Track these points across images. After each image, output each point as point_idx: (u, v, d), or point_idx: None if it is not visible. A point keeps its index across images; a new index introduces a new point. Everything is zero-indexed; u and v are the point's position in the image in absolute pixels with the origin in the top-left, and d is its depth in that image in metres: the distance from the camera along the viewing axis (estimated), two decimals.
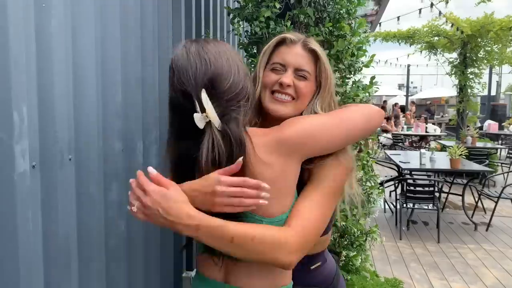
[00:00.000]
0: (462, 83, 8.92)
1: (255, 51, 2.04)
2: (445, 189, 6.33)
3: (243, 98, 1.00)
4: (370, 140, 2.35)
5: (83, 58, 1.23)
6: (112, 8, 1.40)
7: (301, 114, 1.17)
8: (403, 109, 16.97)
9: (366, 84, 2.10)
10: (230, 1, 3.03)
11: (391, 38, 9.52)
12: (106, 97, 1.38)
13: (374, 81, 2.15)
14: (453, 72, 9.11)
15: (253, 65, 1.94)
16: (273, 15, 1.87)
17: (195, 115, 0.93)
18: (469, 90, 8.93)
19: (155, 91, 1.75)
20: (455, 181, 6.36)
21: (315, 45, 1.19)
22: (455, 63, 9.10)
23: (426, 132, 11.17)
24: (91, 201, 1.30)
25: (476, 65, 8.89)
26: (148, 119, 1.68)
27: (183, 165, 1.02)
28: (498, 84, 20.58)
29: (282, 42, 1.20)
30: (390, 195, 6.55)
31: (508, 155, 8.98)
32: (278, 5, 1.86)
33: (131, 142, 1.55)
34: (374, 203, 2.33)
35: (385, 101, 18.46)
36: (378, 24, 9.42)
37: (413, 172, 5.64)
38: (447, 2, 7.72)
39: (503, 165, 8.41)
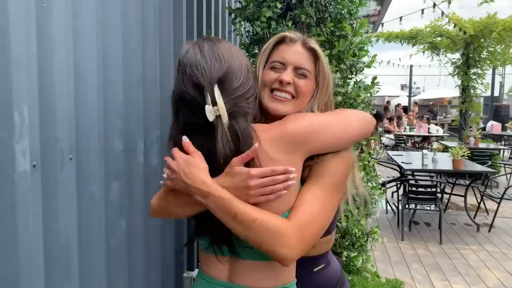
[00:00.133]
0: (465, 84, 8.89)
1: (256, 51, 2.04)
2: (447, 190, 6.30)
3: (251, 96, 1.03)
4: (372, 140, 2.34)
5: (84, 58, 1.23)
6: (114, 8, 1.40)
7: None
8: (405, 109, 16.92)
9: (367, 84, 2.09)
10: (232, 1, 3.04)
11: (394, 38, 9.50)
12: (107, 97, 1.38)
13: (376, 81, 2.15)
14: (455, 73, 9.08)
15: (254, 65, 1.93)
16: (274, 15, 1.87)
17: (206, 107, 0.94)
18: (471, 91, 8.89)
19: (157, 91, 1.75)
20: (457, 182, 6.34)
21: (314, 44, 1.19)
22: (457, 64, 9.07)
23: (429, 132, 11.13)
24: (92, 201, 1.30)
25: (479, 66, 8.85)
26: (149, 119, 1.68)
27: None
28: (501, 85, 20.52)
29: (281, 41, 1.20)
30: (392, 196, 6.53)
31: (511, 156, 8.94)
32: (279, 5, 1.86)
33: (132, 142, 1.55)
34: (375, 204, 2.33)
35: (388, 102, 18.40)
36: (381, 25, 9.39)
37: (415, 173, 5.62)
38: (449, 3, 7.70)
39: (505, 166, 8.36)
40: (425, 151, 6.21)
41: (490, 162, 6.75)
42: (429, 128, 11.26)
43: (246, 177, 0.96)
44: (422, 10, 8.44)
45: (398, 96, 22.12)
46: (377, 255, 4.37)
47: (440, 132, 11.60)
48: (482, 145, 8.31)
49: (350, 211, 2.09)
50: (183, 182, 0.97)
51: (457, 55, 9.18)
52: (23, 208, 0.98)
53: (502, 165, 8.30)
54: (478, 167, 5.72)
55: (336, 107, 1.94)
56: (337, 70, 1.94)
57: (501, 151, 9.63)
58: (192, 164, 0.98)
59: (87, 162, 1.27)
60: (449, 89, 19.24)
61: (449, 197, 6.30)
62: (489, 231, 5.29)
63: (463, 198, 5.70)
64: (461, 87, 9.04)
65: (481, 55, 8.79)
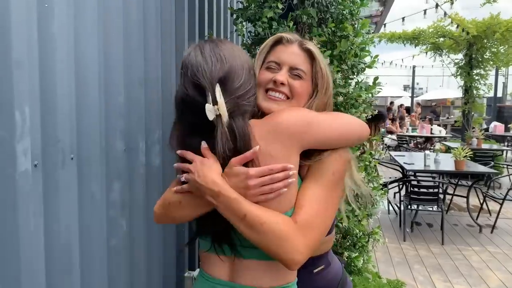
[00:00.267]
0: (468, 85, 8.86)
1: (257, 51, 2.04)
2: (450, 190, 6.28)
3: (251, 96, 1.04)
4: (374, 141, 2.34)
5: (86, 57, 1.24)
6: (115, 8, 1.41)
7: None
8: (408, 110, 16.88)
9: (369, 85, 2.09)
10: (234, 1, 3.04)
11: (396, 39, 9.49)
12: (108, 97, 1.38)
13: (377, 81, 2.15)
14: (458, 74, 9.05)
15: None
16: (275, 15, 1.87)
17: (206, 105, 0.95)
18: (474, 92, 8.87)
19: (158, 91, 1.75)
20: (459, 182, 6.32)
21: (311, 45, 1.19)
22: (460, 64, 9.05)
23: (431, 133, 11.11)
24: (93, 201, 1.30)
25: (482, 66, 8.82)
26: (150, 119, 1.68)
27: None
28: (504, 86, 20.40)
29: (278, 42, 1.20)
30: (394, 197, 6.51)
31: None
32: (280, 6, 1.86)
33: (133, 142, 1.55)
34: (376, 204, 2.32)
35: (391, 103, 18.37)
36: (383, 25, 9.37)
37: (417, 174, 5.61)
38: (452, 3, 7.67)
39: (508, 167, 8.33)
40: (427, 151, 6.19)
41: (493, 163, 6.72)
42: (431, 129, 11.24)
43: (245, 177, 0.97)
44: (425, 11, 8.42)
45: (400, 97, 22.07)
46: (379, 256, 4.36)
47: (443, 133, 11.56)
48: (485, 146, 8.28)
49: (351, 211, 2.09)
50: (196, 182, 0.98)
51: (460, 56, 9.15)
52: (24, 207, 0.98)
53: (505, 166, 8.26)
54: (480, 168, 5.70)
55: (337, 107, 1.94)
56: (338, 71, 1.93)
57: (504, 152, 9.60)
58: (205, 164, 0.99)
59: (88, 162, 1.27)
60: (452, 90, 19.20)
61: (451, 198, 6.28)
62: (491, 232, 5.27)
63: (465, 199, 5.68)
64: (464, 87, 9.01)
65: (484, 56, 8.77)
